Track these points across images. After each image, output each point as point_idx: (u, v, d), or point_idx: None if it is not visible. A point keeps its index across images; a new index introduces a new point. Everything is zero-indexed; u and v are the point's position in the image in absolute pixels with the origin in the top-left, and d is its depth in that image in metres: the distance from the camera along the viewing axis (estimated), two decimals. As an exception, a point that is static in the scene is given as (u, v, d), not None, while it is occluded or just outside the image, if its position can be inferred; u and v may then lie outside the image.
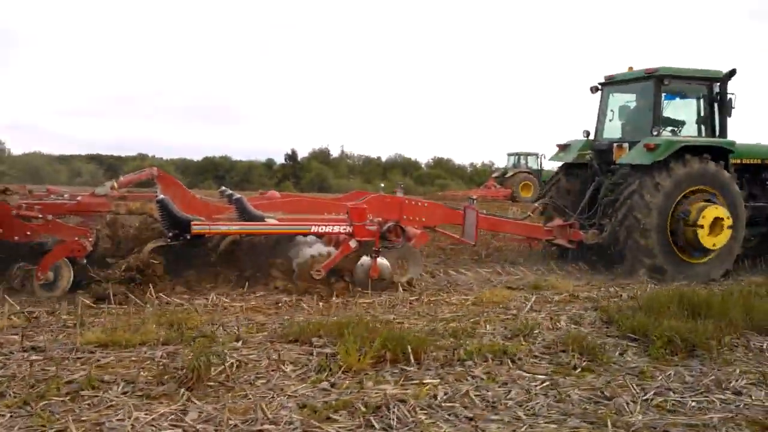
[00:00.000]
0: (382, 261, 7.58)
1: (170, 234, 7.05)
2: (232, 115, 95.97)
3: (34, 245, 6.87)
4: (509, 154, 34.92)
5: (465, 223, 8.79)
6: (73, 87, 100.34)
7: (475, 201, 9.09)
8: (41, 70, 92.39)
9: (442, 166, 54.21)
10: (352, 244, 7.57)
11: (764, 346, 5.44)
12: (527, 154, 33.92)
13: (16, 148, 55.08)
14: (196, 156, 57.20)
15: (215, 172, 46.60)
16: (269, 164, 49.62)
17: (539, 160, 33.26)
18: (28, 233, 6.70)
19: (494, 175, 35.05)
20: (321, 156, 54.97)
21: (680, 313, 5.87)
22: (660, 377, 4.54)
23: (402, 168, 52.43)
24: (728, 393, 4.28)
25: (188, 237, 7.03)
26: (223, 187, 9.70)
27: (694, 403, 4.04)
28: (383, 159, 56.64)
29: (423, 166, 54.96)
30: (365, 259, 7.59)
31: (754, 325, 5.87)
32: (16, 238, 6.66)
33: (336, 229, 7.60)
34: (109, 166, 49.26)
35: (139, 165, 47.53)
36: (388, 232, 7.71)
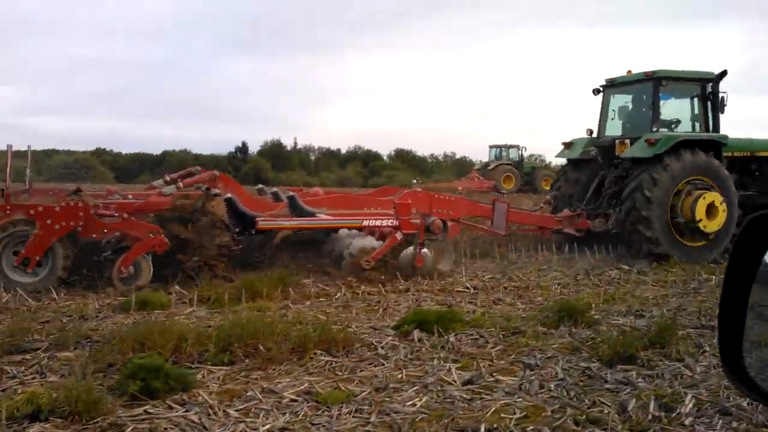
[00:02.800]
0: (425, 252, 8.18)
1: (237, 229, 7.46)
2: (197, 110, 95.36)
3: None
4: (491, 147, 35.51)
5: (495, 215, 9.43)
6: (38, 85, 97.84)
7: (504, 194, 9.76)
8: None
9: (402, 157, 54.82)
10: (398, 236, 8.15)
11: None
12: (509, 147, 34.51)
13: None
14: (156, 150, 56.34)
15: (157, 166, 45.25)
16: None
17: (520, 152, 34.04)
18: (105, 231, 6.99)
19: (476, 167, 35.72)
20: (274, 149, 54.51)
21: None
22: None
23: (362, 160, 52.82)
24: None
25: (254, 232, 7.46)
26: (260, 185, 10.10)
27: None
28: (343, 151, 57.07)
29: (385, 157, 55.47)
30: (409, 250, 8.18)
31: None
32: (93, 235, 6.94)
33: (384, 222, 8.16)
34: (36, 162, 47.64)
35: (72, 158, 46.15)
36: (433, 225, 8.30)
